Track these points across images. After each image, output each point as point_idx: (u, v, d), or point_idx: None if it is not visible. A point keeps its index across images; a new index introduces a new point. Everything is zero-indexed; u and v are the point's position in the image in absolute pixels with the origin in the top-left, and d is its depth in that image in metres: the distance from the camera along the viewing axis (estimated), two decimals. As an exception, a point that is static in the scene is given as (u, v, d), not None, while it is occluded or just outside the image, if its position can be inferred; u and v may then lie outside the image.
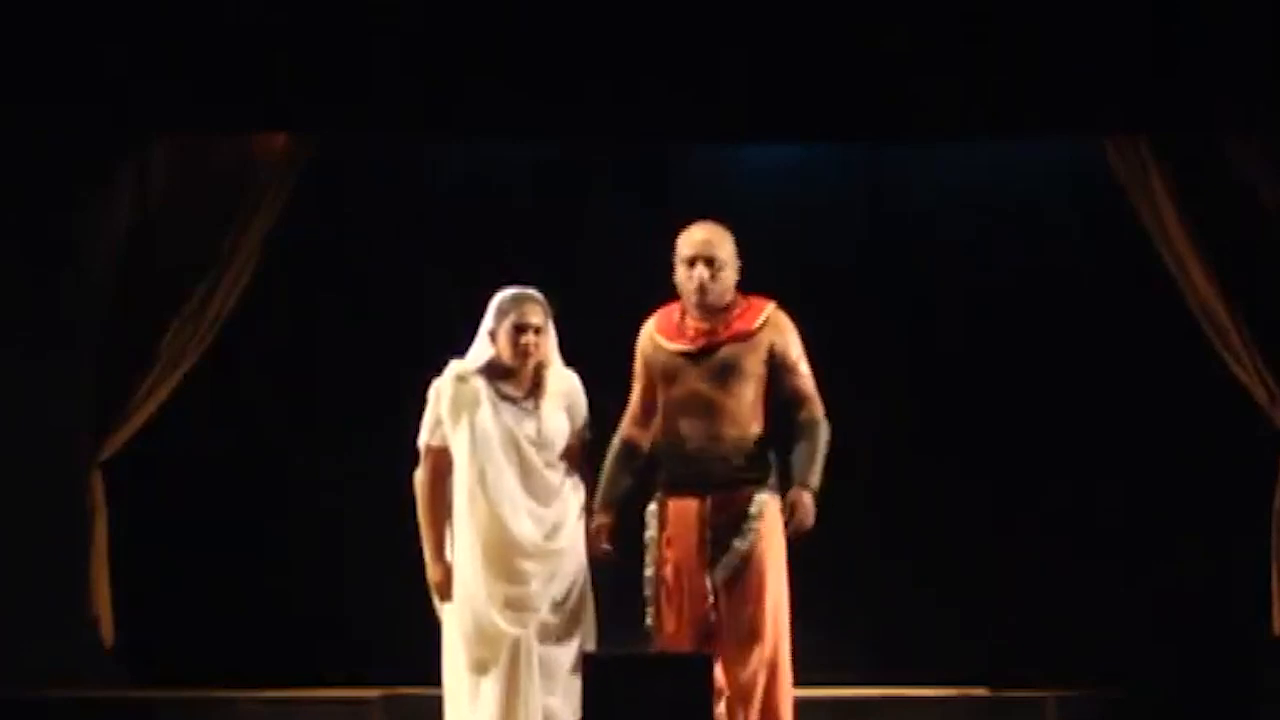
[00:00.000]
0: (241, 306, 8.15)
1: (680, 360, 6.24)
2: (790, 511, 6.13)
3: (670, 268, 6.31)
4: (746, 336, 6.22)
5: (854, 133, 8.05)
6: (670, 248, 6.32)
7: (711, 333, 6.23)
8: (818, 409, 6.24)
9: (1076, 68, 7.71)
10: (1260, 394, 7.96)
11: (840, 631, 7.69)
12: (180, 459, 8.25)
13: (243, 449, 8.29)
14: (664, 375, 6.26)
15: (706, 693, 5.85)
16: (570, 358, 6.33)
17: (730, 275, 6.25)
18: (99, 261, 8.18)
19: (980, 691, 7.82)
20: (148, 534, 8.20)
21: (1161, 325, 8.17)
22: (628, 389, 6.43)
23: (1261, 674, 7.89)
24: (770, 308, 6.29)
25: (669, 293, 6.44)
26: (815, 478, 6.17)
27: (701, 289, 6.21)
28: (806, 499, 6.13)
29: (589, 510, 6.27)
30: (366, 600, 8.08)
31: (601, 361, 6.49)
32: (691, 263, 6.23)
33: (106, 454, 8.09)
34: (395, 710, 7.59)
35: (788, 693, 6.18)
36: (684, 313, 6.28)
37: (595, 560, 6.25)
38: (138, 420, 8.09)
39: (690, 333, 6.25)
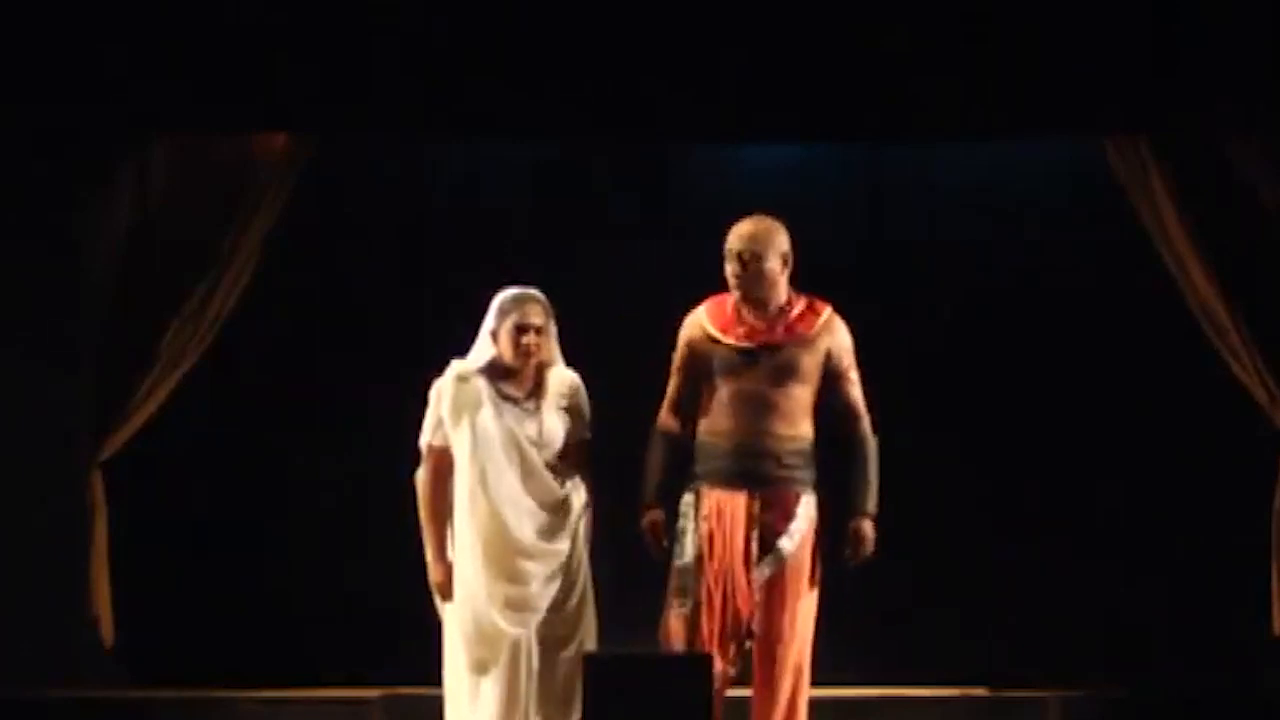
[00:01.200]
0: (241, 306, 8.14)
1: (738, 357, 6.21)
2: (855, 540, 6.17)
3: (668, 265, 6.30)
4: (806, 339, 6.21)
5: (854, 133, 8.04)
6: (670, 248, 6.32)
7: (770, 331, 6.21)
8: (867, 424, 6.29)
9: (1076, 68, 7.71)
10: (1260, 394, 7.96)
11: (840, 631, 7.67)
12: (180, 459, 8.24)
13: (243, 449, 8.29)
14: (718, 369, 6.22)
15: (706, 693, 5.84)
16: (571, 358, 6.33)
17: (776, 270, 6.22)
18: (99, 261, 8.17)
19: (980, 691, 7.82)
20: (148, 534, 8.20)
21: (1161, 325, 8.17)
22: (629, 389, 6.43)
23: (1261, 674, 7.89)
24: (828, 311, 6.30)
25: (670, 292, 6.44)
26: (873, 502, 6.22)
27: (742, 283, 6.19)
28: (868, 528, 6.19)
29: (591, 510, 6.27)
30: (366, 600, 8.07)
31: (602, 361, 6.48)
32: (735, 257, 6.21)
33: (106, 454, 8.08)
34: (395, 710, 7.58)
35: (806, 696, 6.20)
36: (738, 307, 6.25)
37: (651, 556, 6.21)
38: (138, 420, 8.08)
39: (748, 329, 6.22)
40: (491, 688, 6.09)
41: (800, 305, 6.27)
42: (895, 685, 7.82)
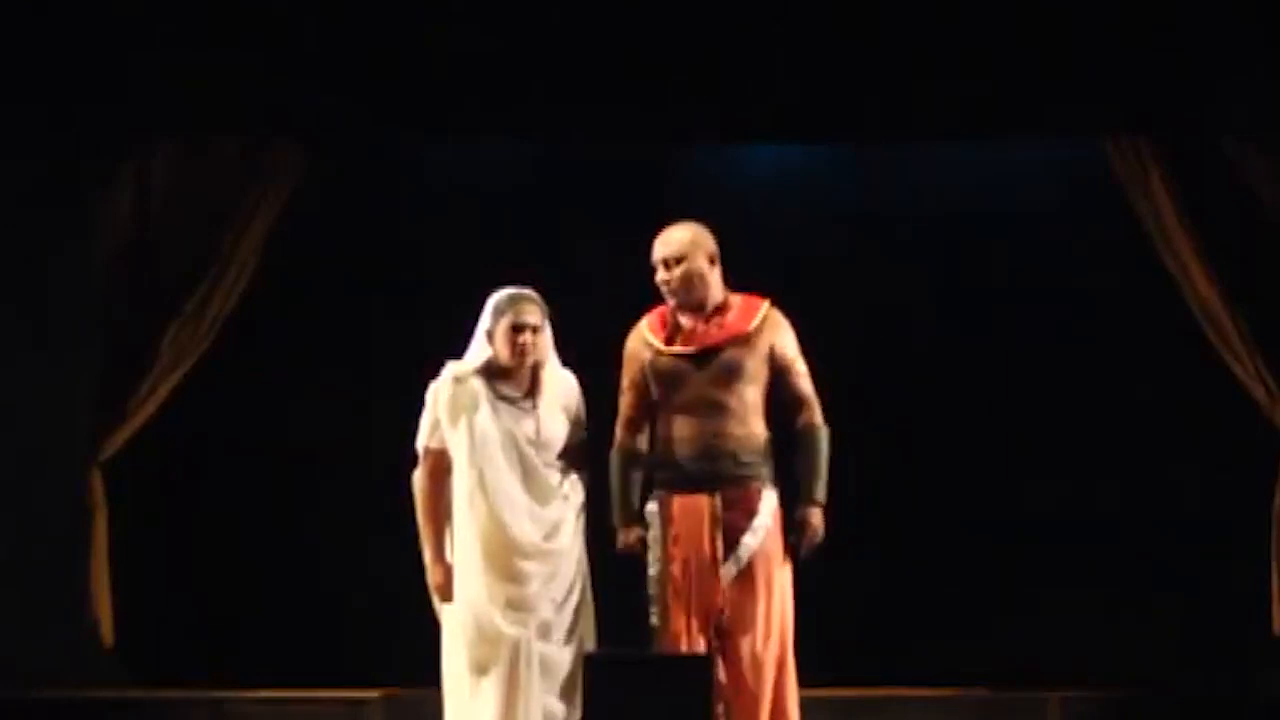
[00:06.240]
0: (241, 306, 8.16)
1: (682, 364, 6.20)
2: (801, 530, 6.14)
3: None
4: (745, 338, 6.19)
5: (853, 133, 8.05)
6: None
7: (709, 334, 6.20)
8: (817, 414, 6.24)
9: (1076, 68, 7.72)
10: (1260, 394, 7.97)
11: (840, 631, 7.68)
12: (180, 459, 8.25)
13: (243, 449, 8.29)
14: (665, 379, 6.23)
15: (706, 693, 5.84)
16: (568, 358, 6.32)
17: (704, 269, 6.19)
18: (99, 261, 8.18)
19: (980, 691, 7.82)
20: (148, 534, 8.20)
21: (1161, 325, 8.17)
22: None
23: (1261, 674, 7.89)
24: (765, 307, 6.27)
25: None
26: (821, 491, 6.17)
27: (672, 290, 6.19)
28: (816, 516, 6.15)
29: (588, 509, 6.27)
30: (366, 600, 8.08)
31: (600, 362, 6.48)
32: (662, 264, 6.21)
33: (106, 454, 8.10)
34: (395, 710, 7.59)
35: (794, 689, 6.19)
36: (675, 315, 6.25)
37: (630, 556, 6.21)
38: (138, 420, 8.10)
39: (686, 335, 6.22)
40: (491, 688, 6.08)
41: (737, 303, 6.25)
42: (895, 685, 7.82)
